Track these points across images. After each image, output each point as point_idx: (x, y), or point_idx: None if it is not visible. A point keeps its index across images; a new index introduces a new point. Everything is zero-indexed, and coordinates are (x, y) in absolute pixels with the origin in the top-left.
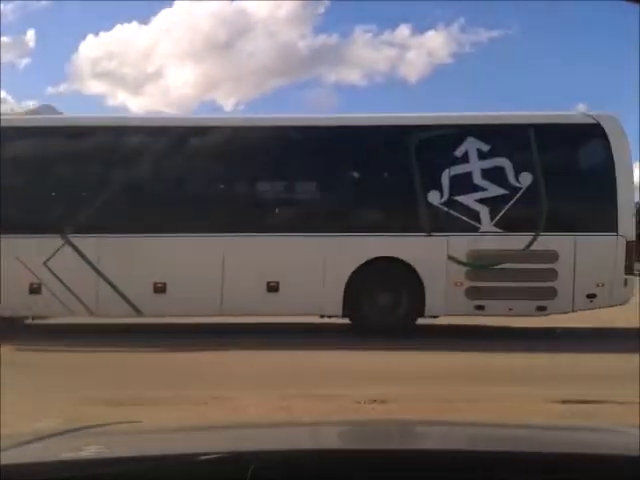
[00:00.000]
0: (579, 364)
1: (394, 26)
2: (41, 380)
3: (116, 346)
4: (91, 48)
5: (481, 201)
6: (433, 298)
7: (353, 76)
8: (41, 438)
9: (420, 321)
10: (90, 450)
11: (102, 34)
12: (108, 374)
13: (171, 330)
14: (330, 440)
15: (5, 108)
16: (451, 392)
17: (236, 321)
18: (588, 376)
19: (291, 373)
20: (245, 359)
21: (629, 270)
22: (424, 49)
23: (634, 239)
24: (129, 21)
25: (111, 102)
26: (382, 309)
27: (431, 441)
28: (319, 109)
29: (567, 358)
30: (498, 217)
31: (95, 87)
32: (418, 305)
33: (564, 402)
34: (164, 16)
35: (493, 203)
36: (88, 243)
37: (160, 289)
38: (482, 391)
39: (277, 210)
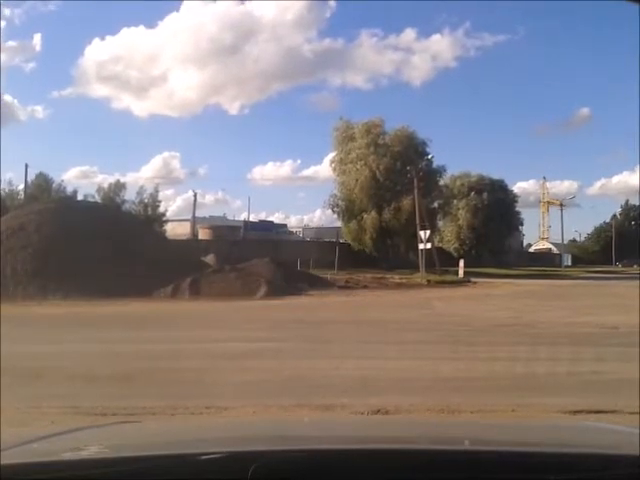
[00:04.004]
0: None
1: (399, 30)
2: (35, 388)
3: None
4: (97, 51)
5: None
6: None
7: (358, 79)
8: (41, 438)
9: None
10: (90, 450)
11: (108, 38)
12: (99, 384)
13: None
14: (330, 440)
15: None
16: (456, 401)
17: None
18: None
19: (287, 381)
20: (240, 367)
21: None
22: (429, 53)
23: None
24: (136, 25)
25: (115, 105)
26: None
27: (431, 441)
28: (322, 112)
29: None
30: None
31: (100, 90)
32: None
33: (575, 412)
34: (171, 20)
35: None
36: None
37: None
38: (489, 401)
39: None
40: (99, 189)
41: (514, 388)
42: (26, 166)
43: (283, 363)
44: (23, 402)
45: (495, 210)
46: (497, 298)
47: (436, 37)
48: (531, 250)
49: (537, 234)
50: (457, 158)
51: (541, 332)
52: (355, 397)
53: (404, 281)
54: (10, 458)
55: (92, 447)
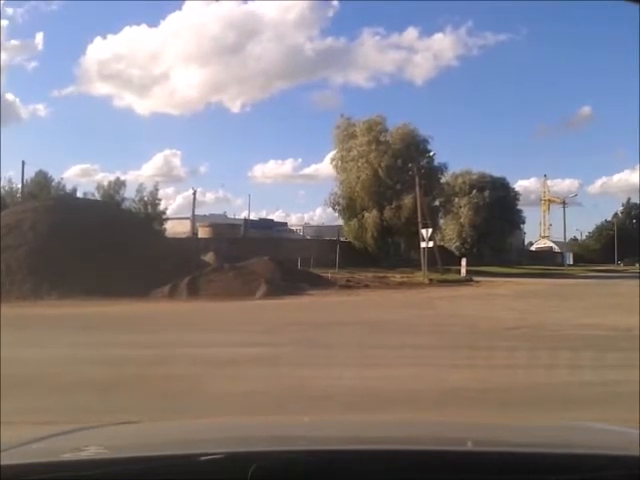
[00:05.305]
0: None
1: (402, 29)
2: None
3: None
4: (99, 50)
5: None
6: None
7: (360, 78)
8: (41, 438)
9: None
10: (90, 450)
11: (110, 36)
12: (81, 396)
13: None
14: (330, 440)
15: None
16: (471, 417)
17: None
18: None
19: (285, 392)
20: (235, 375)
21: None
22: (431, 52)
23: None
24: (138, 23)
25: (117, 104)
26: None
27: (431, 441)
28: (324, 111)
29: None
30: None
31: (102, 89)
32: None
33: None
34: (173, 19)
35: None
36: None
37: None
38: (507, 417)
39: None
40: (99, 187)
41: (533, 401)
42: (23, 163)
43: (281, 371)
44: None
45: (497, 208)
46: (501, 298)
47: (438, 36)
48: (532, 248)
49: (538, 232)
50: (458, 156)
51: (552, 335)
52: (360, 411)
53: (406, 280)
54: (10, 458)
55: (92, 447)
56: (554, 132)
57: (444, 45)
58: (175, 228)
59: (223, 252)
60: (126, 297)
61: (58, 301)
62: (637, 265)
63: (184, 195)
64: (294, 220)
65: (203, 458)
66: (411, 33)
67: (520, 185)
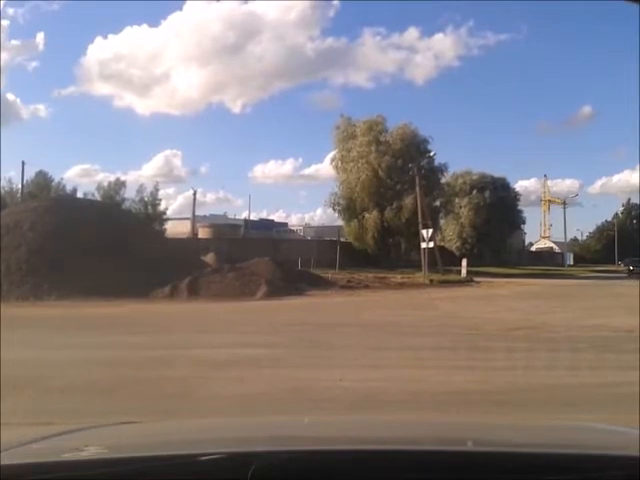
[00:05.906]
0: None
1: (403, 29)
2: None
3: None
4: (99, 50)
5: None
6: None
7: (360, 78)
8: (41, 438)
9: None
10: (90, 450)
11: (111, 36)
12: (77, 398)
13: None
14: (330, 441)
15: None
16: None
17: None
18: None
19: (285, 395)
20: (234, 377)
21: None
22: (432, 52)
23: None
24: (139, 23)
25: (118, 104)
26: None
27: (431, 441)
28: (324, 111)
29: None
30: None
31: (102, 89)
32: None
33: None
34: (174, 19)
35: None
36: None
37: None
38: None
39: None
40: (99, 187)
41: (539, 403)
42: (23, 163)
43: (281, 373)
44: None
45: (497, 208)
46: (503, 299)
47: (439, 36)
48: (532, 249)
49: (538, 233)
50: (459, 156)
51: (555, 336)
52: (363, 414)
53: (406, 280)
54: (10, 458)
55: (92, 447)
56: (554, 132)
57: (445, 45)
58: (175, 228)
59: (223, 253)
60: (126, 298)
61: (58, 301)
62: (630, 267)
63: (184, 195)
64: (294, 220)
65: (203, 458)
66: (412, 33)
67: (520, 185)
